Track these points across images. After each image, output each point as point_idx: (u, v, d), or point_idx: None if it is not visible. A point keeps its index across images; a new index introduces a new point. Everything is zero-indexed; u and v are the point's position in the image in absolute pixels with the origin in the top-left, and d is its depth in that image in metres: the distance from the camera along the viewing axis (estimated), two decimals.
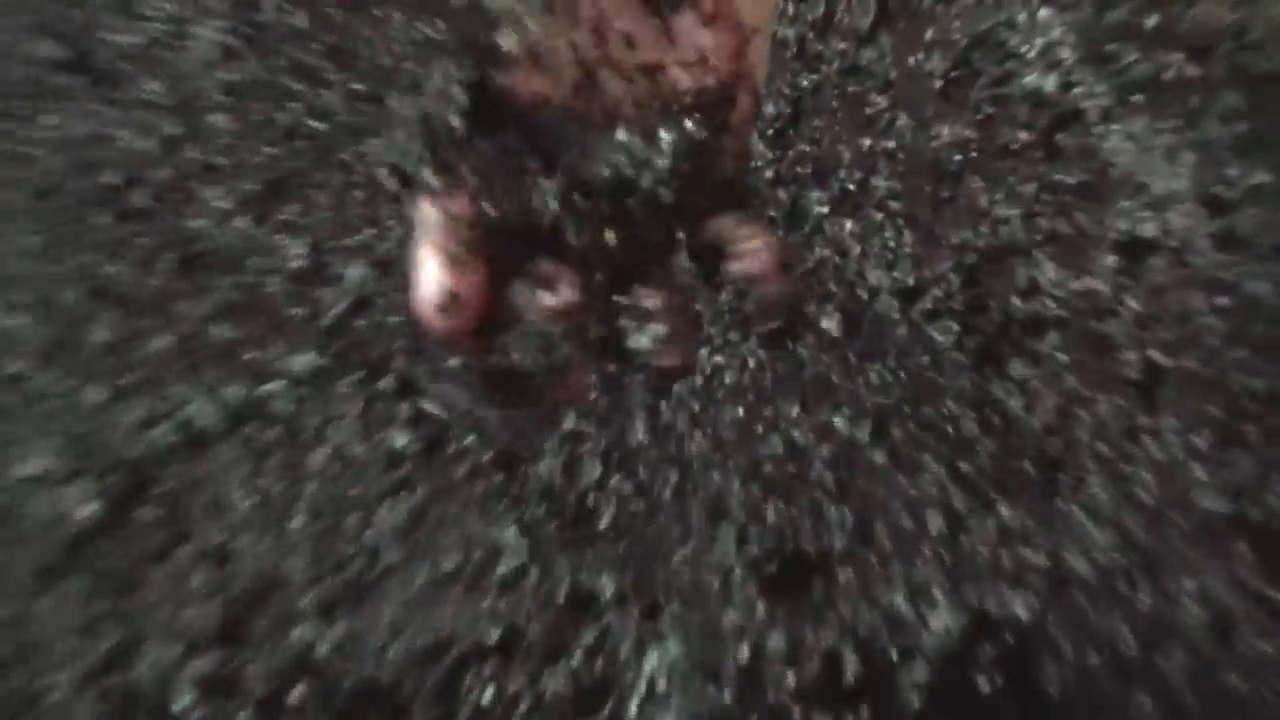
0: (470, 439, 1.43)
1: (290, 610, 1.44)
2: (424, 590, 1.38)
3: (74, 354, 1.55)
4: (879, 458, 1.45)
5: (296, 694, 1.46)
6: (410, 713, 1.48)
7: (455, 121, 1.09)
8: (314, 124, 1.58)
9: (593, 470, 1.39)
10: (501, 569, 1.44)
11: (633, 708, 1.39)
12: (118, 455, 1.51)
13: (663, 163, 1.15)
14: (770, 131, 1.52)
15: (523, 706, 1.49)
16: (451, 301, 1.02)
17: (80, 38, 1.65)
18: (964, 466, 1.45)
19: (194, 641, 1.44)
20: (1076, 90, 1.56)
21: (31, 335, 1.55)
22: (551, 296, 1.11)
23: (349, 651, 1.42)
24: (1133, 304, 1.54)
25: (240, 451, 1.47)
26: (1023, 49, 1.55)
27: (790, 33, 1.54)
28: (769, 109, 1.51)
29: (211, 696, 1.48)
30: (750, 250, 1.13)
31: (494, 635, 1.44)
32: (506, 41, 1.06)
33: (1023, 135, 1.50)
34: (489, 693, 1.47)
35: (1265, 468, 1.44)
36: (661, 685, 1.47)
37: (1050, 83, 1.58)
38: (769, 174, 1.52)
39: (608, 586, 1.50)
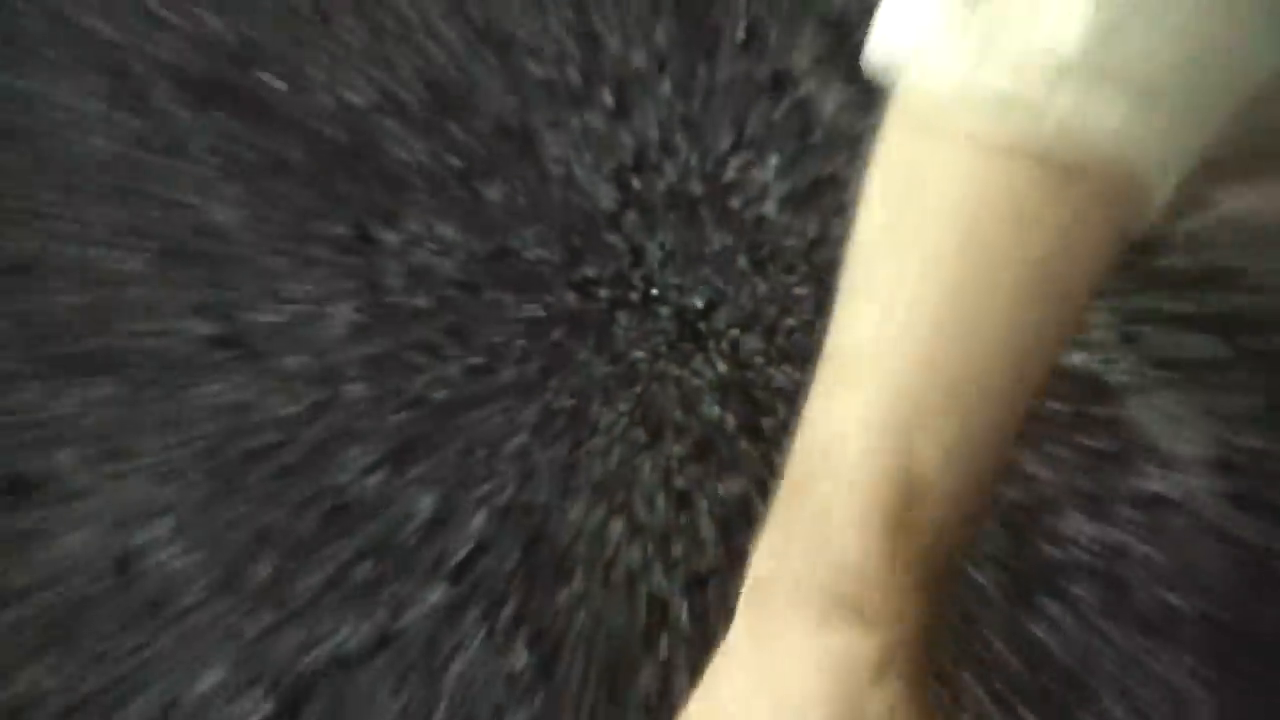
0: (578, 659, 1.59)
1: None
2: None
3: (240, 588, 1.72)
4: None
5: None
6: None
7: None
8: (436, 395, 1.69)
9: None
10: None
11: None
12: (279, 674, 1.69)
13: None
14: None
15: None
16: None
17: (232, 317, 1.76)
18: (998, 685, 1.51)
19: None
20: (1107, 367, 1.62)
21: (204, 572, 1.72)
22: None
23: None
24: (1152, 553, 1.56)
25: (383, 673, 1.66)
26: None
27: None
28: None
29: None
30: None
31: None
32: None
33: (1057, 406, 1.58)
34: None
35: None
36: None
37: (1082, 359, 1.63)
38: None
39: None
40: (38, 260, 1.84)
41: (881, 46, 1.20)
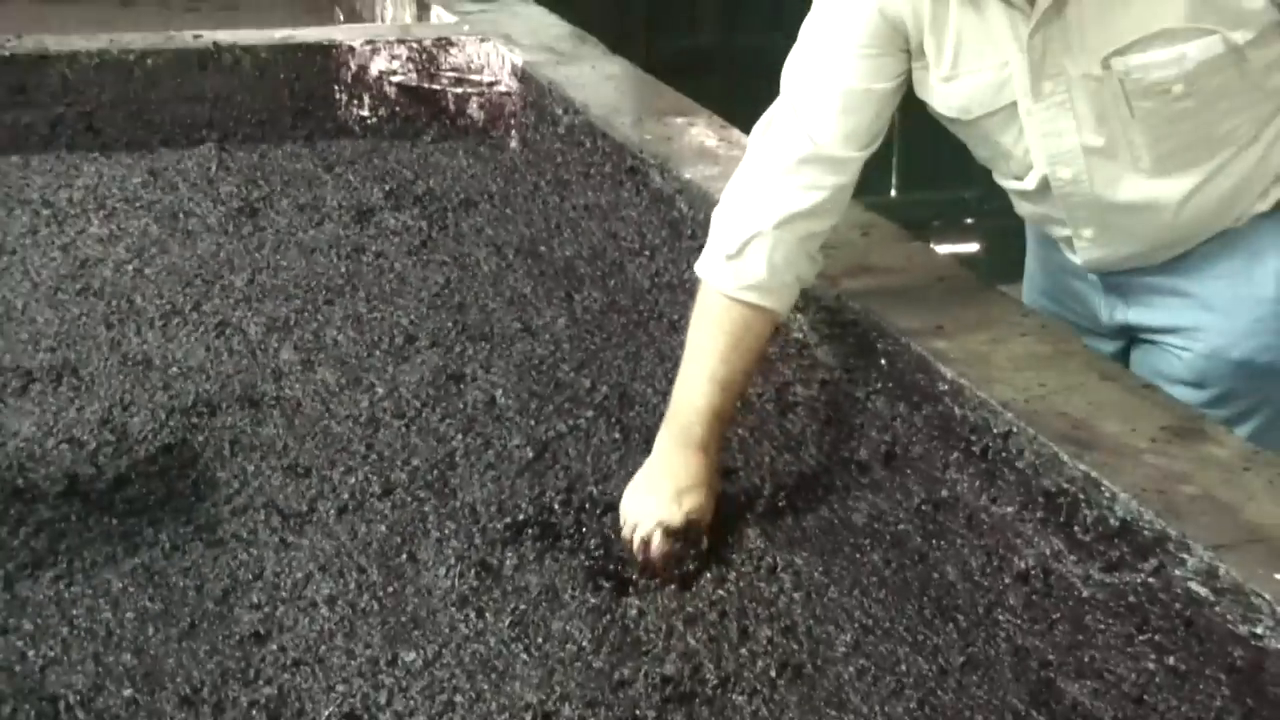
0: None
1: None
2: None
3: (527, 409, 1.87)
4: None
5: None
6: None
7: None
8: (591, 347, 2.02)
9: None
10: None
11: None
12: (541, 436, 1.82)
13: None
14: None
15: None
16: None
17: (528, 323, 2.11)
18: (764, 441, 1.76)
19: None
20: (807, 334, 1.83)
21: (519, 404, 1.87)
22: None
23: None
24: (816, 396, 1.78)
25: (574, 437, 1.80)
26: None
27: None
28: None
29: None
30: None
31: None
32: None
33: (793, 350, 1.84)
34: None
35: None
36: None
37: (798, 335, 1.83)
38: None
39: None
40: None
41: (701, 263, 1.65)
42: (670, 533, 1.54)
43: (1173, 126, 1.54)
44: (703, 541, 1.56)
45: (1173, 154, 1.56)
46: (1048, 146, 1.60)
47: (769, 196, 1.60)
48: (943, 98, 1.63)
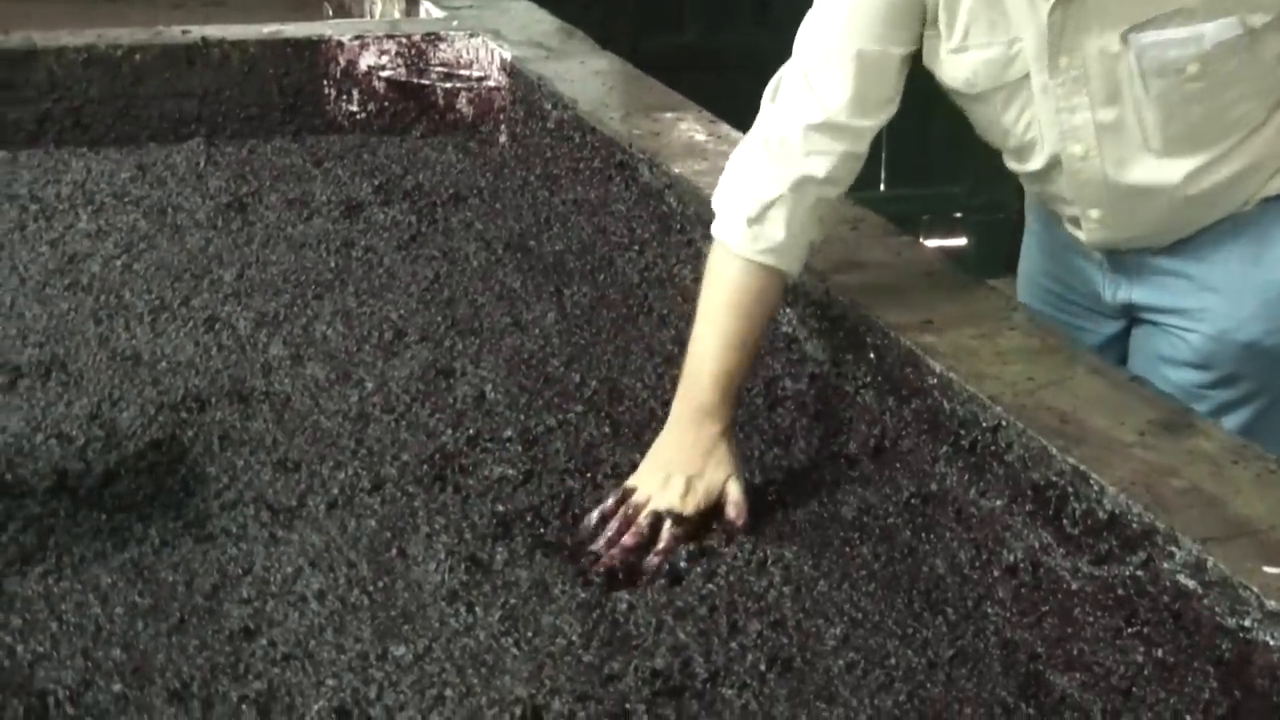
0: None
1: None
2: None
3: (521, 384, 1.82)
4: None
5: None
6: None
7: None
8: (590, 330, 2.00)
9: None
10: None
11: None
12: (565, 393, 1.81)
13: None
14: None
15: None
16: None
17: (533, 313, 2.08)
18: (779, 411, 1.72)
19: None
20: (793, 328, 1.83)
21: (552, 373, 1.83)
22: None
23: None
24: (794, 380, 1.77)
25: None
26: None
27: None
28: None
29: None
30: None
31: None
32: None
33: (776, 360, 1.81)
34: None
35: None
36: None
37: (787, 330, 1.83)
38: None
39: None
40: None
41: (719, 226, 1.64)
42: (680, 522, 1.53)
43: (1184, 107, 1.54)
44: (701, 533, 1.55)
45: (1183, 135, 1.56)
46: (1061, 122, 1.60)
47: (782, 162, 1.60)
48: (950, 69, 1.63)
